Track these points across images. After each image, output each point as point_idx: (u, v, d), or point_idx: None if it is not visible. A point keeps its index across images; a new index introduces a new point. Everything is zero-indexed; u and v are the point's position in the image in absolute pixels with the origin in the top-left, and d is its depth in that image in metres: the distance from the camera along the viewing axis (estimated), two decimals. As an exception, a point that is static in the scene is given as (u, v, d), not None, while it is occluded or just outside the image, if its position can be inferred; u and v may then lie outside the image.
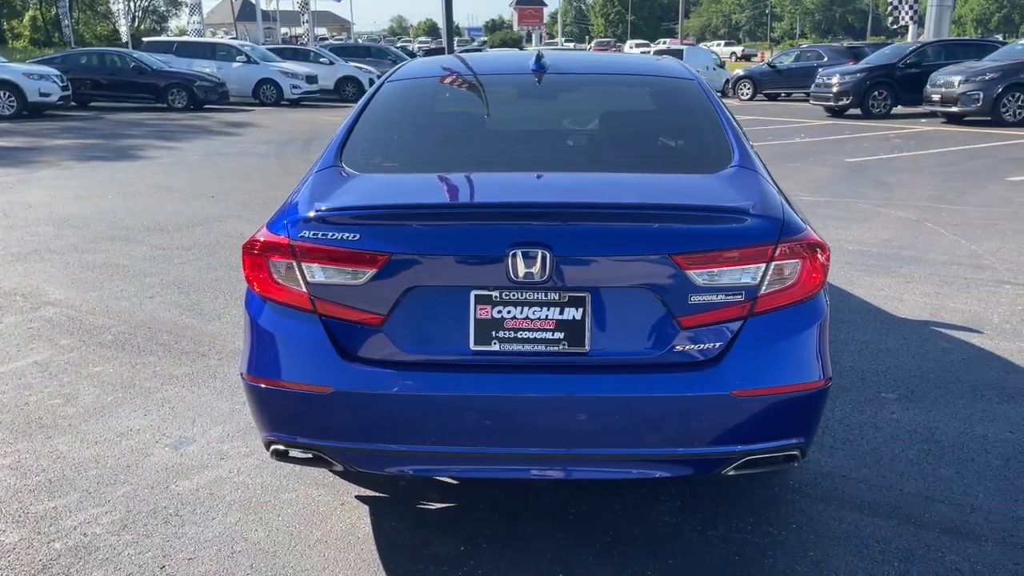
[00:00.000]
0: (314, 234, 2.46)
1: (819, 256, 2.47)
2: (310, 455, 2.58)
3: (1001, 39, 22.15)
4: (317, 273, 2.46)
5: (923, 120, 17.76)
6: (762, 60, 68.84)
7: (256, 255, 2.56)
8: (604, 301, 2.40)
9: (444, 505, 3.08)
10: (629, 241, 2.38)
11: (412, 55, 37.89)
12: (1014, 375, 4.18)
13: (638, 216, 2.41)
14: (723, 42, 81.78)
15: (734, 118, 3.21)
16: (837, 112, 19.34)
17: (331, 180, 2.78)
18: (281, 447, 2.59)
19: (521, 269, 2.34)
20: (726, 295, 2.39)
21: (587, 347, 2.40)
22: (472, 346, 2.42)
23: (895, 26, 25.47)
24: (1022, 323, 4.94)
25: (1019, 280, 5.86)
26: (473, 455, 2.49)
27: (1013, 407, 3.81)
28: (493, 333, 2.42)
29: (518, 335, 2.42)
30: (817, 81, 19.72)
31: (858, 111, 18.79)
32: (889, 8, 24.27)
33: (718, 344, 2.41)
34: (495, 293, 2.40)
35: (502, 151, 3.14)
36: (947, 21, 31.15)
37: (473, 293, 2.41)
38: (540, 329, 2.41)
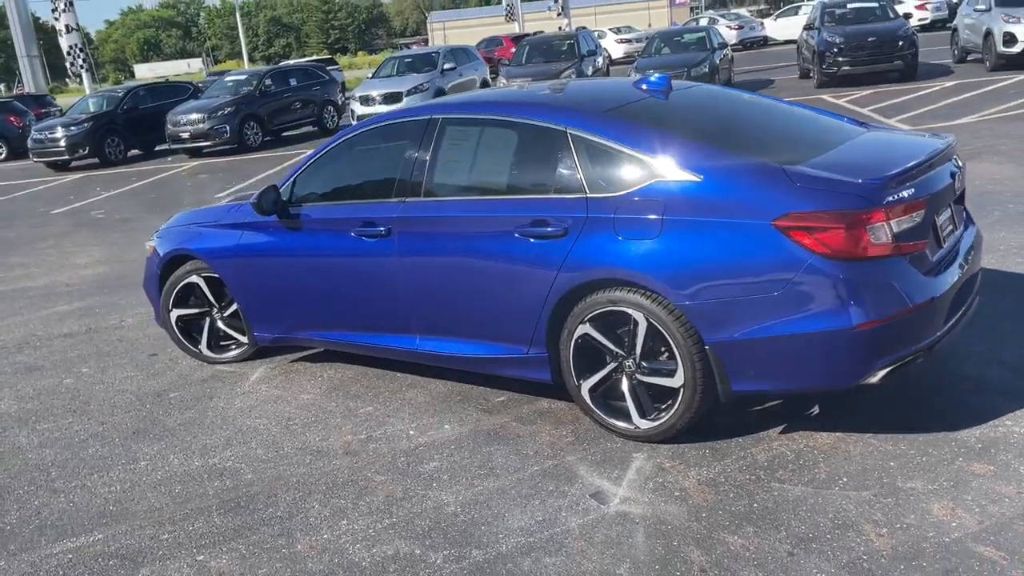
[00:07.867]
0: (892, 198, 3.33)
1: None
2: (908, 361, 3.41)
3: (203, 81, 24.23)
4: (897, 225, 3.34)
5: (169, 158, 18.69)
6: None
7: (861, 228, 3.25)
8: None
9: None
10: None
11: None
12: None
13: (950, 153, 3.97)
14: None
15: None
16: (64, 167, 18.73)
17: (775, 168, 3.47)
18: (887, 369, 3.35)
19: (956, 187, 3.75)
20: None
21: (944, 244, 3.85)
22: (942, 247, 3.68)
23: (74, 74, 25.09)
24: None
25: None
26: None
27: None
28: (942, 236, 3.71)
29: (943, 235, 3.74)
30: (35, 138, 18.51)
31: (96, 160, 18.64)
32: (69, 58, 23.96)
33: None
34: (940, 209, 3.69)
35: (764, 138, 4.08)
36: (40, 69, 32.02)
37: (932, 212, 3.65)
38: (944, 228, 3.80)
